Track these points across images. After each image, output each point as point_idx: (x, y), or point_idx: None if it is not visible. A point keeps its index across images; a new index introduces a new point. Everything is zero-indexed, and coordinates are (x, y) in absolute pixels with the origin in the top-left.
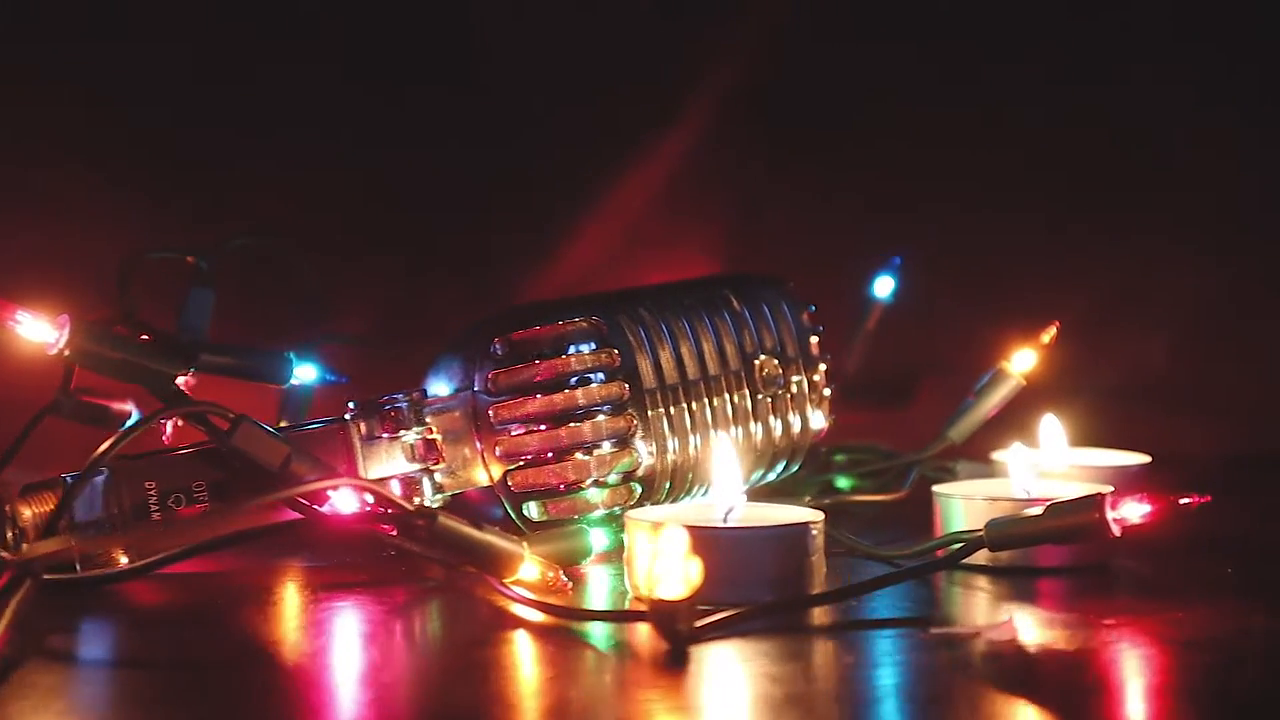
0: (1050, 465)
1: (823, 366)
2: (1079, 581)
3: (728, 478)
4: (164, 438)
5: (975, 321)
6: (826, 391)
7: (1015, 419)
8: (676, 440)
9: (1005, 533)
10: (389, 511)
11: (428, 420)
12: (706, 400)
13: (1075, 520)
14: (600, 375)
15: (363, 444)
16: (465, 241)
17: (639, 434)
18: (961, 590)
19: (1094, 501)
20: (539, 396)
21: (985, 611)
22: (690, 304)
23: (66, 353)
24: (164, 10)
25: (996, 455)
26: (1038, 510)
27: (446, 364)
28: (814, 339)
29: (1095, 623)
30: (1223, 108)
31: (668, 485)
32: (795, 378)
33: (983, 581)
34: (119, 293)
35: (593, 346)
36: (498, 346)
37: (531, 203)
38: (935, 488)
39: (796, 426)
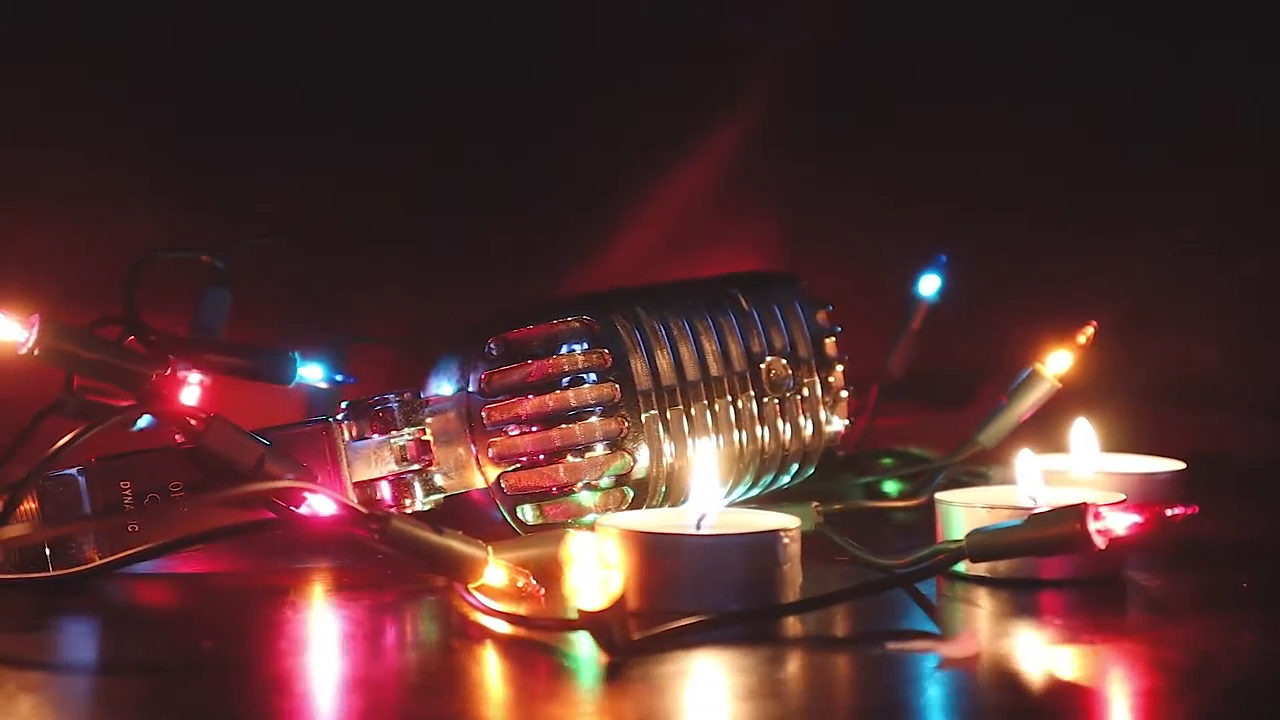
0: (1078, 472)
1: (839, 368)
2: (1081, 595)
3: (704, 483)
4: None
5: (1019, 321)
6: (844, 394)
7: (1052, 422)
8: (674, 444)
9: (985, 543)
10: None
11: (424, 421)
12: (707, 403)
13: (1056, 531)
14: (593, 376)
15: (349, 445)
16: (509, 242)
17: (631, 436)
18: (955, 602)
19: (1075, 512)
20: (531, 397)
21: (964, 625)
22: (694, 303)
23: (36, 352)
24: (187, 5)
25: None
26: (1020, 520)
27: (445, 364)
28: (830, 339)
29: (1075, 639)
30: (1265, 97)
31: (663, 490)
32: (807, 379)
33: (982, 594)
34: (126, 291)
35: (585, 346)
36: (491, 346)
37: (576, 202)
38: (937, 495)
39: (809, 430)
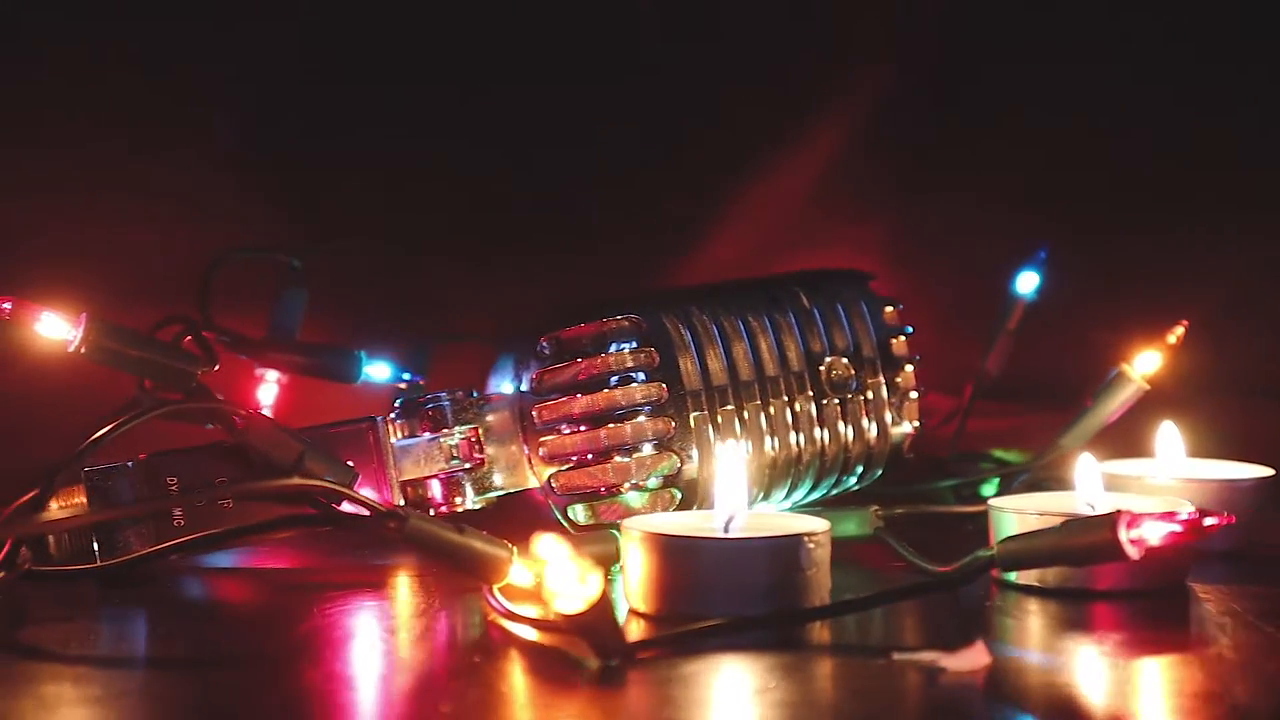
0: (1158, 478)
1: (909, 368)
2: (1136, 607)
3: (731, 485)
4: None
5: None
6: (914, 395)
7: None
8: (725, 445)
9: (1014, 551)
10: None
11: (487, 419)
12: (762, 404)
13: (1087, 540)
14: (641, 375)
15: (398, 443)
16: (602, 240)
17: (679, 437)
18: (1004, 614)
19: (1107, 520)
20: (579, 396)
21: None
22: (752, 302)
23: (83, 350)
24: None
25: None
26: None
27: (502, 363)
28: (898, 338)
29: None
30: None
31: (711, 491)
32: (872, 380)
33: (1032, 604)
34: (200, 291)
35: (634, 345)
36: (544, 345)
37: (676, 201)
38: (990, 500)
39: (874, 432)
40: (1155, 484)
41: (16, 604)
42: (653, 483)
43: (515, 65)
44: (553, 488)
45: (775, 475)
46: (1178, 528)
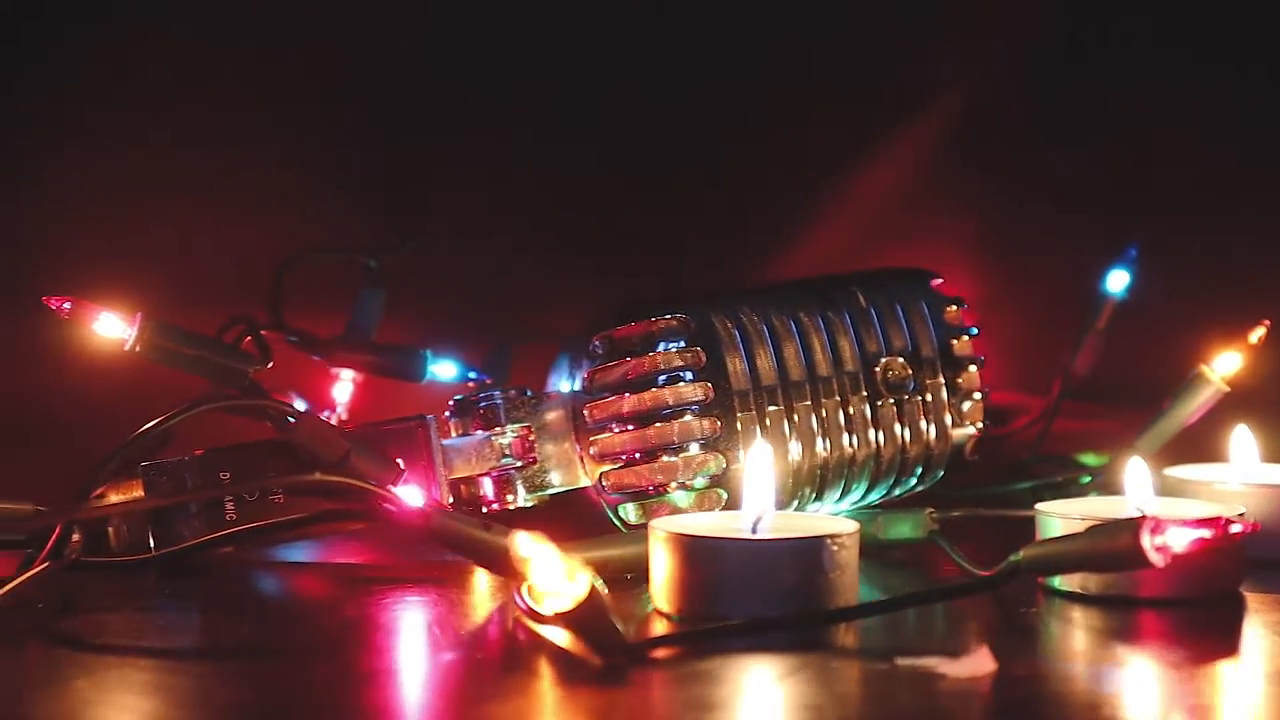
0: (1229, 483)
1: (972, 369)
2: (1184, 615)
3: (758, 486)
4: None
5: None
6: (976, 396)
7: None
8: (773, 446)
9: (1039, 557)
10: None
11: (540, 418)
12: (813, 404)
13: (1109, 546)
14: (689, 374)
15: (448, 442)
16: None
17: (726, 437)
18: (1051, 620)
19: (1130, 525)
20: (628, 395)
21: (1014, 644)
22: (806, 301)
23: (138, 349)
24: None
25: (1172, 471)
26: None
27: (560, 362)
28: (961, 339)
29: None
30: None
31: None
32: (931, 381)
33: (1075, 612)
34: (272, 289)
35: (681, 344)
36: (596, 344)
37: (770, 199)
38: (1038, 505)
39: (932, 434)
40: (1224, 489)
41: (70, 593)
42: (699, 482)
43: (601, 65)
44: (604, 487)
45: (828, 477)
46: (1205, 534)
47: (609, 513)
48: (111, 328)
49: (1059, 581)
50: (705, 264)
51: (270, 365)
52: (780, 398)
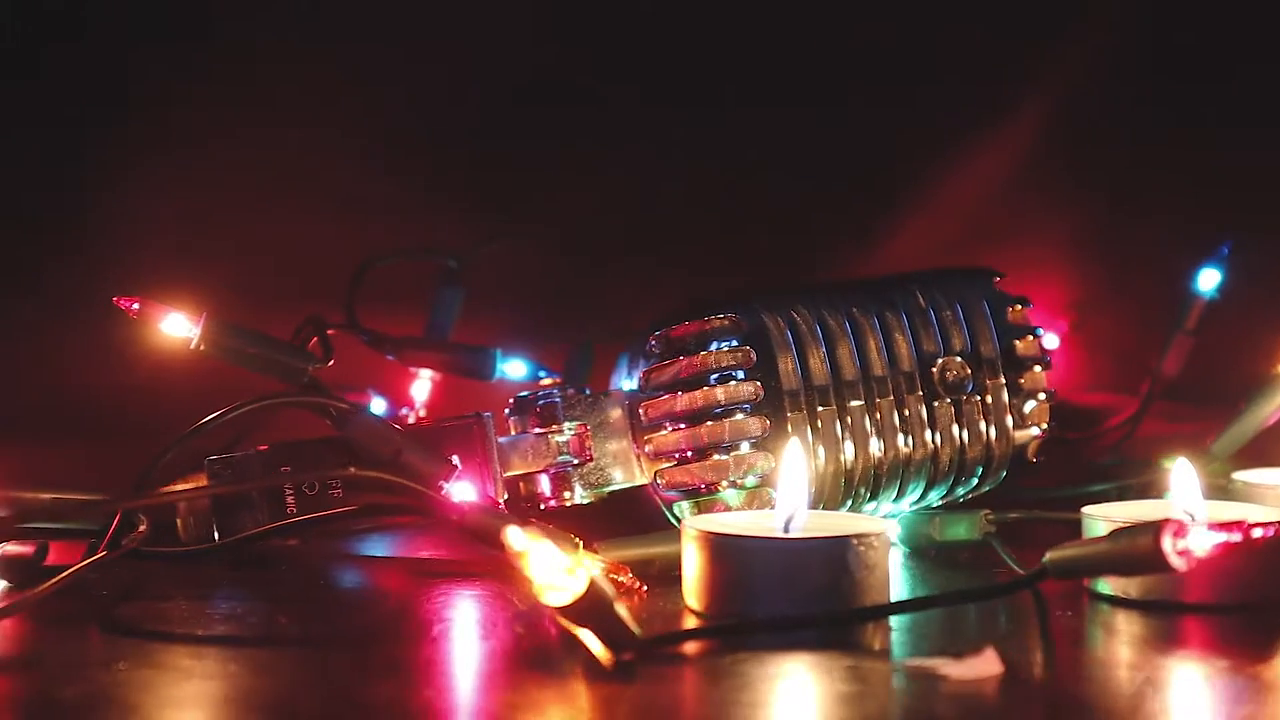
0: None
1: (1037, 369)
2: (1231, 622)
3: (791, 484)
4: None
5: None
6: (1040, 397)
7: None
8: (825, 445)
9: (1064, 560)
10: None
11: (597, 416)
12: (867, 404)
13: (1131, 549)
14: (740, 373)
15: (505, 439)
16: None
17: (775, 435)
18: (1094, 625)
19: (1152, 529)
20: (681, 394)
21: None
22: (862, 300)
23: (202, 347)
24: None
25: (1240, 475)
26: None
27: (621, 361)
28: (1024, 339)
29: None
30: None
31: (810, 491)
32: (991, 381)
33: (1118, 617)
34: (349, 290)
35: (733, 344)
36: (653, 343)
37: (864, 199)
38: (1084, 508)
39: (993, 435)
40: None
41: (136, 581)
42: (750, 481)
43: (691, 68)
44: (659, 484)
45: (883, 477)
46: (1229, 537)
47: (665, 510)
48: (178, 327)
49: (1102, 585)
50: (795, 264)
51: (331, 363)
52: (833, 397)
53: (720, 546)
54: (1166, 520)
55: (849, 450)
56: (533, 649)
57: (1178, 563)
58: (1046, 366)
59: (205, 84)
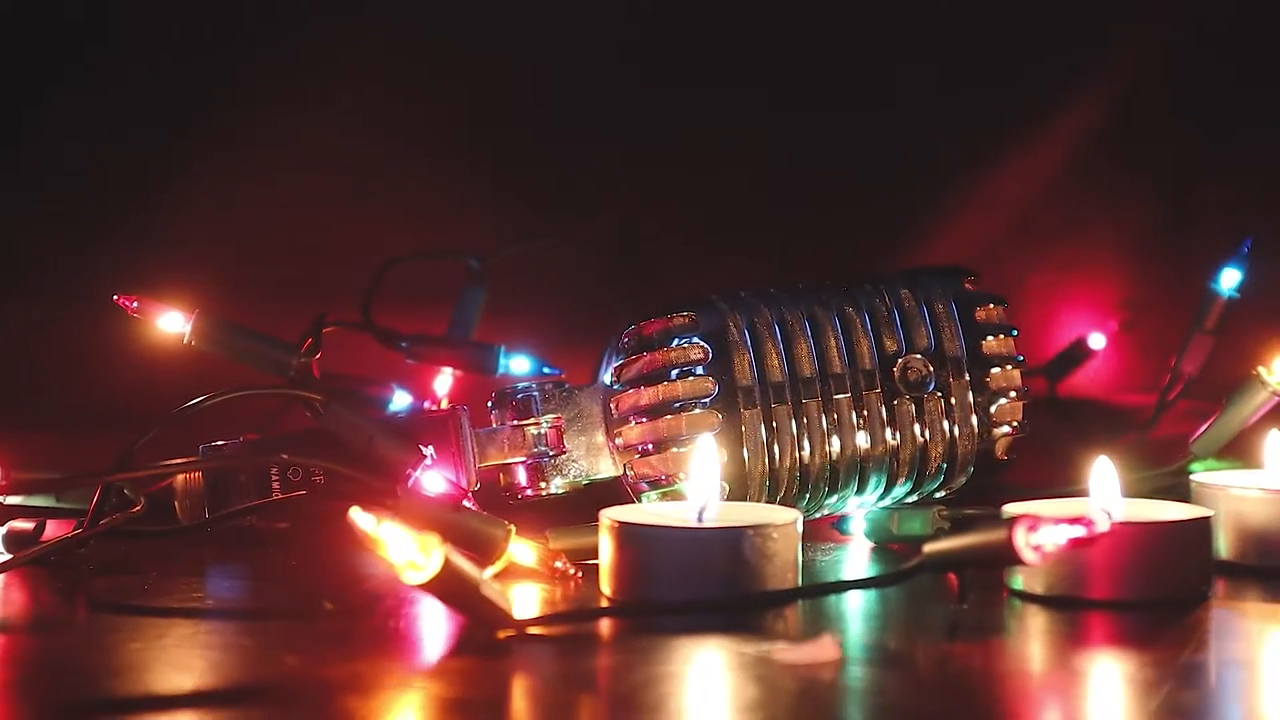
0: (1247, 489)
1: (1009, 369)
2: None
3: (701, 475)
4: None
5: None
6: (1011, 395)
7: None
8: (779, 442)
9: (941, 552)
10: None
11: (573, 409)
12: (824, 401)
13: (986, 542)
14: (700, 369)
15: (481, 431)
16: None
17: (727, 430)
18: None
19: (1006, 523)
20: (645, 388)
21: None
22: (826, 300)
23: (193, 342)
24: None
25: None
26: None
27: (603, 355)
28: (993, 338)
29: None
30: None
31: (768, 485)
32: (956, 380)
33: (1030, 612)
34: (369, 288)
35: (692, 340)
36: (625, 339)
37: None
38: (1005, 506)
39: (957, 433)
40: (1241, 494)
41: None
42: None
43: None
44: (629, 476)
45: (841, 472)
46: (1084, 533)
47: (636, 500)
48: (172, 323)
49: (1015, 581)
50: (838, 263)
51: (319, 356)
52: (788, 394)
53: (625, 535)
54: (1020, 516)
55: (805, 446)
56: (412, 626)
57: (1030, 557)
58: (1019, 365)
59: (249, 84)
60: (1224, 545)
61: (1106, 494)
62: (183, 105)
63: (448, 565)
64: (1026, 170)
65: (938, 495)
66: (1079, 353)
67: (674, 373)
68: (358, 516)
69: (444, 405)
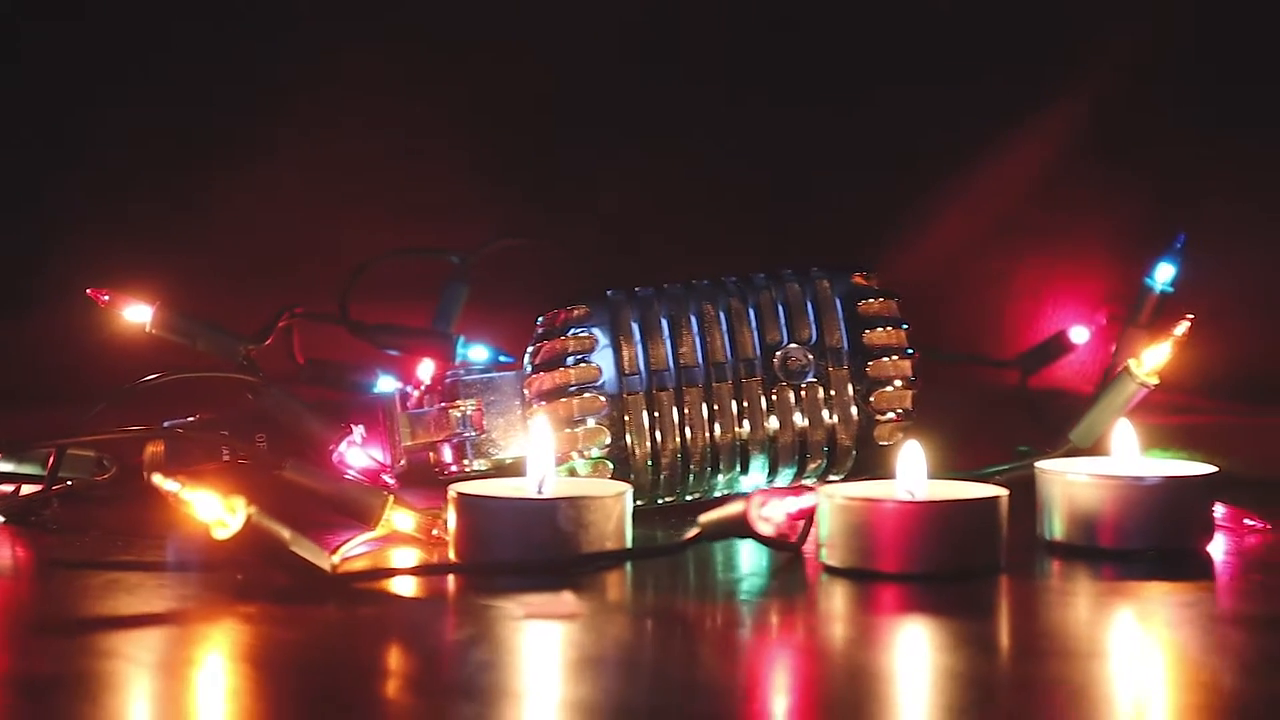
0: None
1: (893, 358)
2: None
3: (536, 452)
4: None
5: None
6: (898, 384)
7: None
8: (663, 426)
9: (710, 524)
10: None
11: (493, 393)
12: (705, 389)
13: (733, 516)
14: (590, 358)
15: (412, 413)
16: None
17: (610, 415)
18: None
19: (743, 499)
20: (544, 374)
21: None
22: (716, 294)
23: (154, 331)
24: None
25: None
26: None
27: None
28: (877, 329)
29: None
30: None
31: (650, 466)
32: (835, 369)
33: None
34: (346, 283)
35: (583, 330)
36: (538, 329)
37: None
38: (822, 488)
39: (836, 420)
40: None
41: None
42: (594, 453)
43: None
44: None
45: (722, 456)
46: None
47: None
48: (137, 315)
49: (824, 555)
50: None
51: (267, 343)
52: (670, 382)
53: (461, 505)
54: (755, 492)
55: (686, 430)
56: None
57: (764, 528)
58: (905, 355)
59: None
60: (1058, 527)
61: (913, 475)
62: (197, 106)
63: (249, 523)
64: (1016, 166)
65: (830, 479)
66: (1057, 346)
67: (569, 360)
68: (161, 481)
69: (423, 389)
